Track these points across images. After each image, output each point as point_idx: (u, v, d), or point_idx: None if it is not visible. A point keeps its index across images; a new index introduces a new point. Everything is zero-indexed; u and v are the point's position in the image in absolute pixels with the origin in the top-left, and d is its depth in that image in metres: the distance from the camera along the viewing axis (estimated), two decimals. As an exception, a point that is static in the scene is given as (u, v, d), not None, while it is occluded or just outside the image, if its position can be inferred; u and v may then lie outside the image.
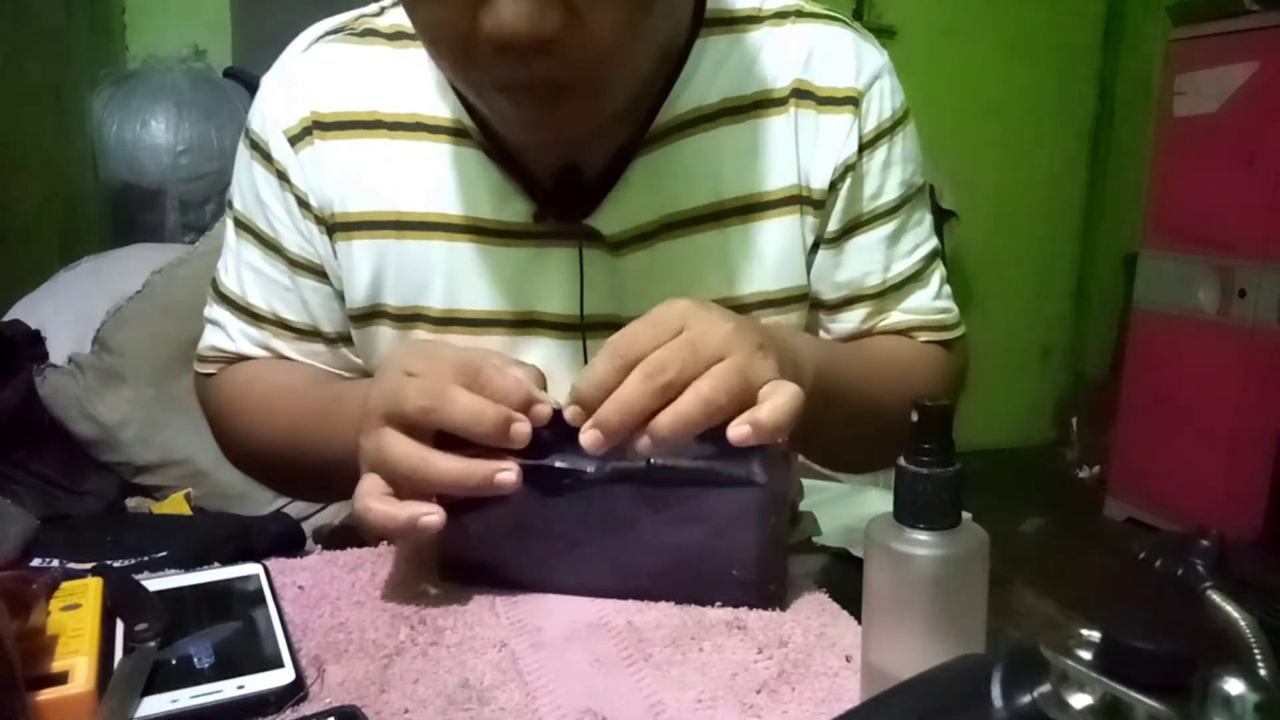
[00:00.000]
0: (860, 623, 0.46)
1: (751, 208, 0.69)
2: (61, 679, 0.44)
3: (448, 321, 0.70)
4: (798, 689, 0.49)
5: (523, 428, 0.53)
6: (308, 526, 1.32)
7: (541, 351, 0.70)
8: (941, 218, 2.82)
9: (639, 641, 0.53)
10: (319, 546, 0.99)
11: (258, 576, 0.58)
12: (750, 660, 0.51)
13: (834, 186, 0.70)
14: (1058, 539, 2.67)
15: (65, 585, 0.52)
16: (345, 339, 0.74)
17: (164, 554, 1.01)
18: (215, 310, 0.77)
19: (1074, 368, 3.50)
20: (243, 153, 0.73)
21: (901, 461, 0.42)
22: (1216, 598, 0.40)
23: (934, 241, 0.77)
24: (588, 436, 0.52)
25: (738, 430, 0.51)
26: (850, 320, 0.74)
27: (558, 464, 0.54)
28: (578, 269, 0.69)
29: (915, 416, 0.42)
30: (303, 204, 0.70)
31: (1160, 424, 2.68)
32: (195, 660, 0.48)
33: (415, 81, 0.69)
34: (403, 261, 0.69)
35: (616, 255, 0.68)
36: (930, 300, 0.76)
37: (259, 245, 0.73)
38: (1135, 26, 3.22)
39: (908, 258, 0.74)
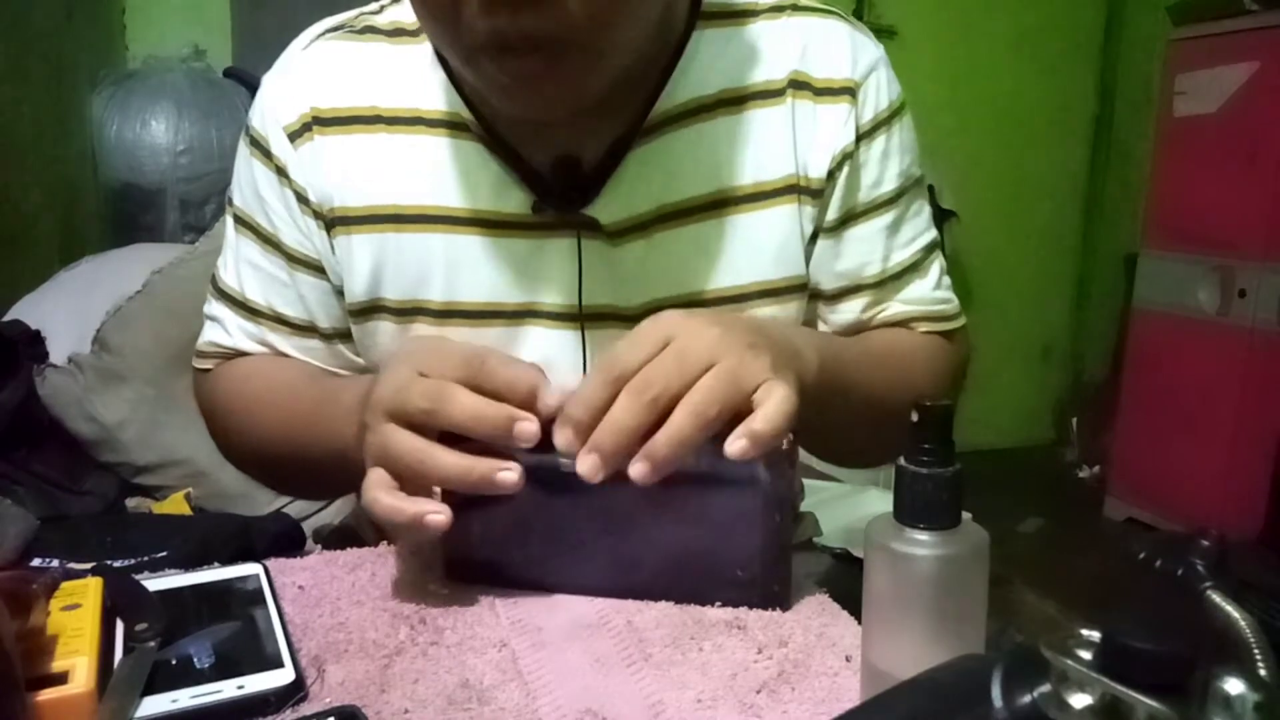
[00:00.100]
0: (860, 623, 0.46)
1: (749, 197, 0.69)
2: (61, 679, 0.44)
3: (448, 314, 0.70)
4: (798, 689, 0.49)
5: (529, 427, 0.52)
6: (308, 526, 1.32)
7: (541, 342, 0.70)
8: (941, 218, 2.82)
9: (639, 641, 0.53)
10: (319, 546, 0.99)
11: (258, 576, 0.58)
12: (750, 660, 0.51)
13: (831, 176, 0.70)
14: (1058, 539, 2.67)
15: (65, 585, 0.52)
16: (342, 335, 0.74)
17: (164, 554, 1.01)
18: (214, 307, 0.77)
19: (1074, 368, 3.50)
20: (243, 150, 0.74)
21: (901, 461, 0.42)
22: (1216, 598, 0.40)
23: (933, 233, 0.77)
24: (585, 464, 0.51)
25: (735, 445, 0.50)
26: (850, 311, 0.74)
27: (562, 465, 0.54)
28: (576, 259, 0.69)
29: (915, 416, 0.42)
30: (302, 199, 0.71)
31: (1160, 424, 2.68)
32: (195, 660, 0.48)
33: (414, 77, 0.70)
34: (402, 255, 0.70)
35: (614, 245, 0.69)
36: (930, 290, 0.76)
37: (257, 241, 0.73)
38: (1135, 26, 3.22)
39: (906, 248, 0.75)
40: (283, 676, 0.47)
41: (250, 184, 0.73)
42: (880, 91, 0.71)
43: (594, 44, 0.57)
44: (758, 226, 0.70)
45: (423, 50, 0.70)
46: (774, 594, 0.57)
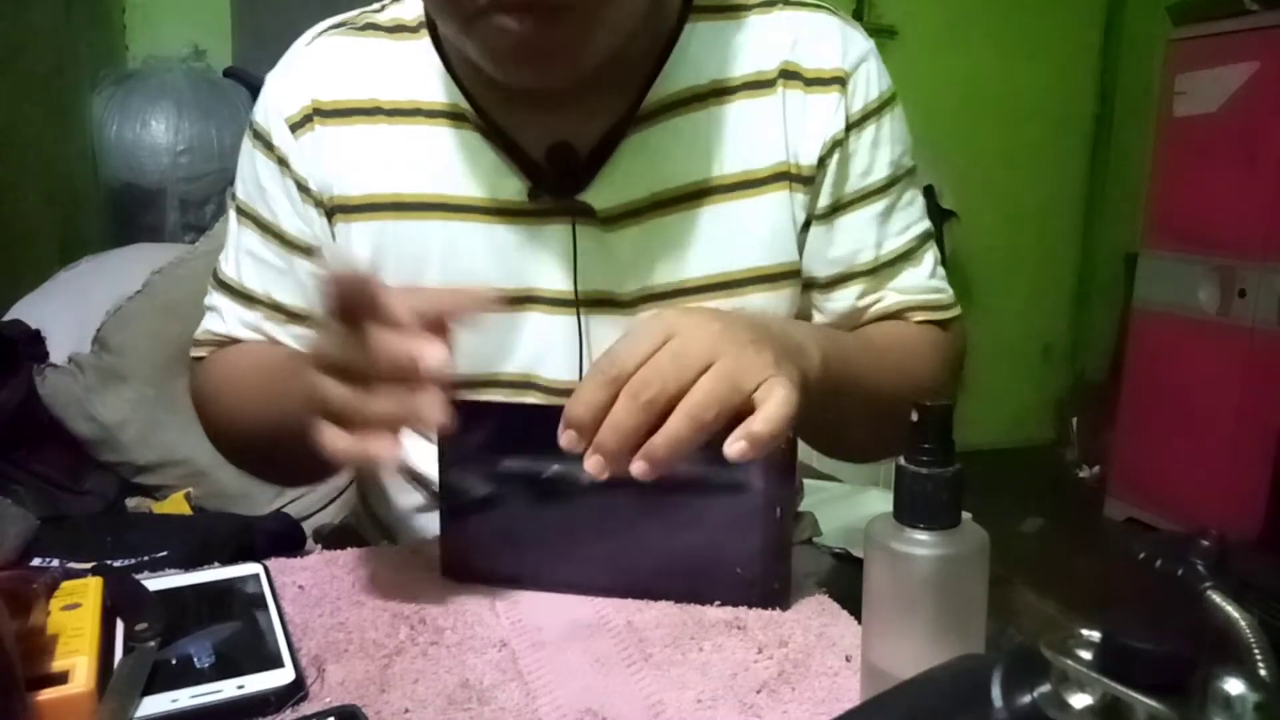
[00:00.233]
0: (860, 623, 0.46)
1: (740, 185, 0.70)
2: (61, 679, 0.44)
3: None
4: (798, 689, 0.49)
5: (436, 351, 0.50)
6: (308, 526, 1.32)
7: (539, 328, 0.71)
8: (941, 218, 2.82)
9: (639, 641, 0.53)
10: (319, 546, 0.99)
11: (258, 576, 0.58)
12: (750, 660, 0.51)
13: (822, 163, 0.71)
14: (1058, 539, 2.67)
15: (65, 585, 0.52)
16: None
17: (164, 554, 1.01)
18: (213, 297, 0.78)
19: (1074, 368, 3.50)
20: (246, 144, 0.76)
21: (901, 461, 0.42)
22: (1216, 598, 0.40)
23: (927, 224, 0.78)
24: (590, 464, 0.51)
25: (734, 447, 0.50)
26: (845, 298, 0.75)
27: (554, 468, 0.54)
28: (571, 245, 0.70)
29: (915, 416, 0.42)
30: (302, 188, 0.72)
31: (1160, 424, 2.67)
32: (195, 660, 0.48)
33: (413, 70, 0.71)
34: (401, 242, 0.71)
35: (609, 231, 0.70)
36: (925, 279, 0.77)
37: (258, 230, 0.75)
38: (1135, 26, 3.22)
39: (899, 236, 0.75)
40: (283, 676, 0.47)
41: (252, 176, 0.74)
42: (870, 82, 0.73)
43: (590, 11, 0.58)
44: (750, 213, 0.71)
45: (422, 45, 0.72)
46: (774, 592, 0.57)
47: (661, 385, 0.51)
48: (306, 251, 0.74)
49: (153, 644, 0.48)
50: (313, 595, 0.58)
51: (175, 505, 1.39)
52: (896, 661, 0.42)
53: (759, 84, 0.71)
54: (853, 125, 0.72)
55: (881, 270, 0.75)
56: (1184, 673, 0.28)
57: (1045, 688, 0.30)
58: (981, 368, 3.17)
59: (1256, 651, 0.37)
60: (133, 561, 0.97)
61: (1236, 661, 0.36)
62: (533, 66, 0.62)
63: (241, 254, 0.76)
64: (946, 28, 3.06)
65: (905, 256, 0.76)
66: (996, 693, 0.30)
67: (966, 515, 0.43)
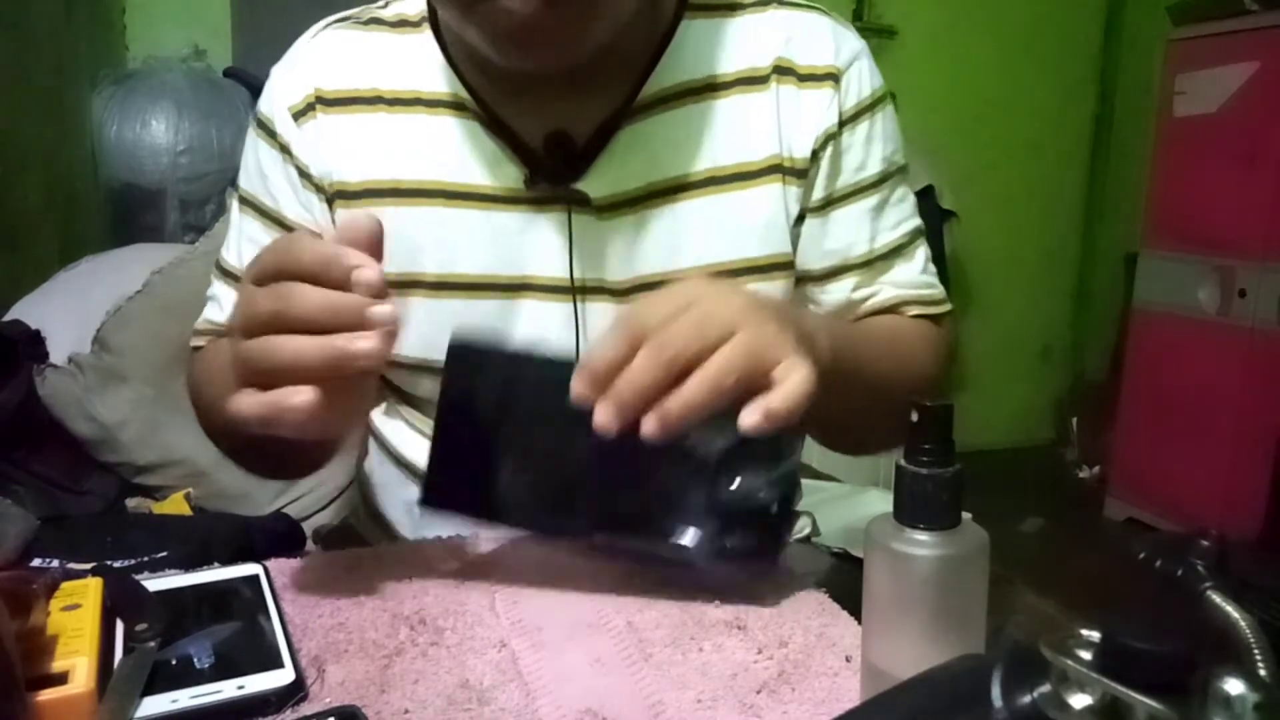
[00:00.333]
0: (860, 623, 0.46)
1: (734, 177, 0.72)
2: (61, 679, 0.44)
3: (442, 286, 0.72)
4: (798, 689, 0.49)
5: (382, 310, 0.49)
6: (308, 526, 1.32)
7: (536, 315, 0.72)
8: (941, 218, 2.81)
9: (639, 641, 0.53)
10: (319, 546, 0.99)
11: (258, 576, 0.58)
12: (750, 660, 0.51)
13: (816, 156, 0.73)
14: (1058, 539, 2.67)
15: (65, 585, 0.52)
16: None
17: (164, 554, 1.01)
18: (214, 287, 0.80)
19: (1074, 368, 3.50)
20: (250, 135, 0.77)
21: (901, 461, 0.42)
22: (1216, 598, 0.40)
23: (918, 221, 0.80)
24: (600, 414, 0.51)
25: (750, 419, 0.50)
26: (839, 291, 0.76)
27: (554, 417, 0.54)
28: (567, 233, 0.71)
29: (915, 416, 0.42)
30: (304, 175, 0.74)
31: (1160, 424, 2.67)
32: (195, 660, 0.48)
33: (415, 62, 0.73)
34: (399, 228, 0.70)
35: (604, 219, 0.71)
36: (917, 275, 0.78)
37: (259, 218, 0.76)
38: (1135, 26, 3.22)
39: (892, 231, 0.77)
40: (283, 676, 0.47)
41: (255, 165, 0.76)
42: (863, 80, 0.74)
43: None
44: (743, 205, 0.72)
45: (424, 38, 0.74)
46: (754, 562, 0.57)
47: (684, 346, 0.51)
48: None
49: (153, 644, 0.48)
50: (313, 595, 0.58)
51: (175, 505, 1.39)
52: (896, 661, 0.42)
53: (753, 79, 0.72)
54: (846, 121, 0.73)
55: (876, 263, 0.76)
56: (1184, 673, 0.28)
57: (1045, 688, 0.30)
58: (981, 368, 3.17)
59: (1256, 651, 0.37)
60: (133, 562, 0.96)
61: (1236, 661, 0.36)
62: (534, 49, 0.63)
63: (244, 241, 0.77)
64: (946, 28, 3.06)
65: (898, 251, 0.77)
66: (996, 693, 0.30)
67: (966, 515, 0.43)
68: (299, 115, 0.73)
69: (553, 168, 0.70)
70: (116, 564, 0.73)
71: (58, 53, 1.90)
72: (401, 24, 0.75)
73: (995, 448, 3.19)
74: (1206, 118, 2.51)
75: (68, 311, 1.54)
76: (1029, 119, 3.21)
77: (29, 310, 1.55)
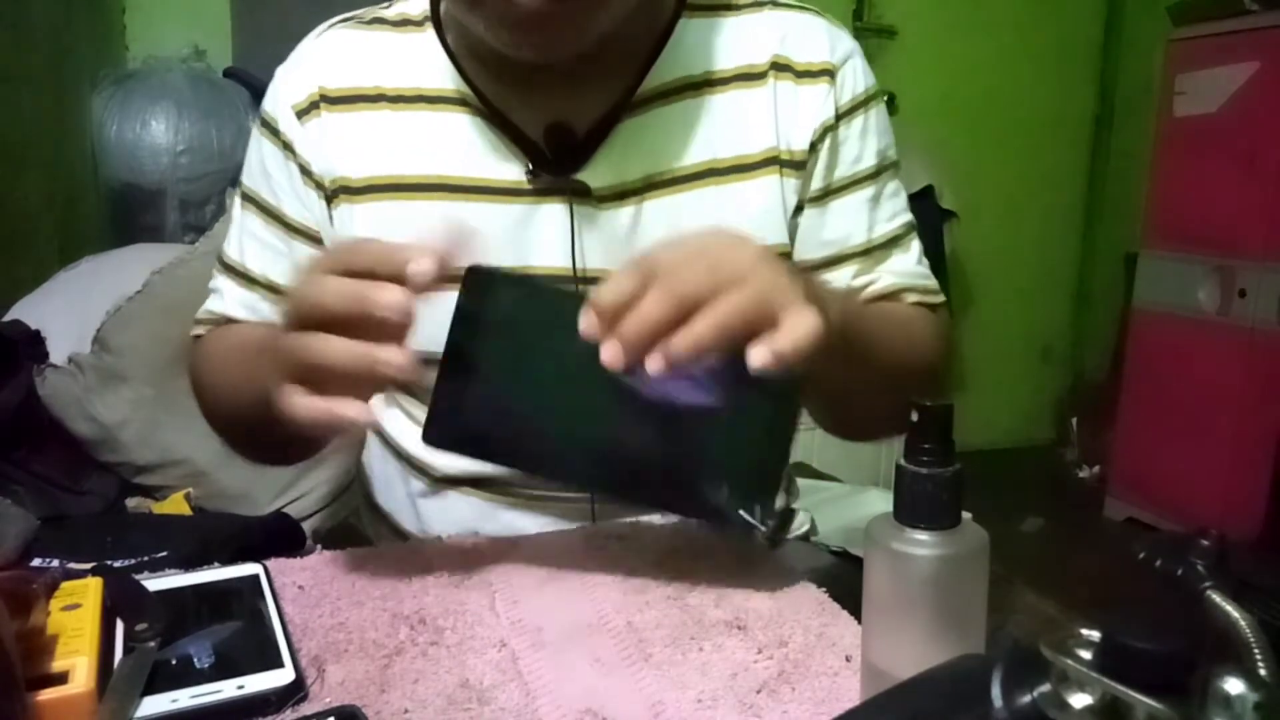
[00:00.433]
0: (860, 623, 0.46)
1: (731, 169, 0.74)
2: (61, 679, 0.44)
3: (445, 278, 0.71)
4: (798, 689, 0.49)
5: (395, 295, 0.52)
6: (308, 526, 1.32)
7: None
8: (941, 218, 2.81)
9: (639, 641, 0.53)
10: (319, 546, 0.99)
11: (258, 576, 0.58)
12: (750, 660, 0.51)
13: (814, 148, 0.75)
14: (1058, 539, 2.67)
15: (65, 585, 0.52)
16: None
17: (164, 554, 1.01)
18: (216, 280, 0.81)
19: (1074, 368, 3.50)
20: (254, 134, 0.79)
21: (901, 461, 0.42)
22: (1216, 598, 0.40)
23: (911, 216, 0.82)
24: (607, 350, 0.51)
25: (757, 355, 0.50)
26: (839, 279, 0.78)
27: (562, 353, 0.54)
28: (569, 224, 0.72)
29: (915, 416, 0.42)
30: (305, 172, 0.75)
31: (1160, 424, 2.67)
32: (195, 660, 0.48)
33: (417, 60, 0.75)
34: (402, 222, 0.73)
35: (605, 210, 0.73)
36: (914, 265, 0.80)
37: (260, 214, 0.78)
38: (1135, 26, 3.21)
39: (889, 222, 0.79)
40: (283, 676, 0.47)
41: (258, 163, 0.78)
42: (857, 76, 0.77)
43: None
44: (741, 196, 0.74)
45: (427, 37, 0.75)
46: (746, 523, 0.57)
47: (694, 287, 0.51)
48: (305, 235, 0.77)
49: (153, 644, 0.48)
50: (313, 595, 0.58)
51: (175, 505, 1.39)
52: (896, 661, 0.42)
53: (750, 76, 0.74)
54: (843, 114, 0.76)
55: (874, 252, 0.78)
56: (1184, 673, 0.28)
57: (1045, 688, 0.30)
58: (982, 368, 3.17)
59: (1256, 651, 0.36)
60: (133, 561, 0.96)
61: (1236, 661, 0.36)
62: (539, 36, 0.64)
63: (245, 236, 0.79)
64: (946, 28, 3.05)
65: (895, 242, 0.79)
66: (996, 693, 0.30)
67: (966, 515, 0.43)
68: (302, 114, 0.75)
69: (554, 158, 0.72)
70: (116, 564, 0.73)
71: (58, 53, 1.90)
72: (404, 23, 0.77)
73: (995, 448, 3.19)
74: (1206, 118, 2.51)
75: (68, 311, 1.54)
76: (1029, 120, 3.21)
77: (29, 310, 1.55)
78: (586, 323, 0.52)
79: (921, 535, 0.42)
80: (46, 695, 0.43)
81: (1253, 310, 2.41)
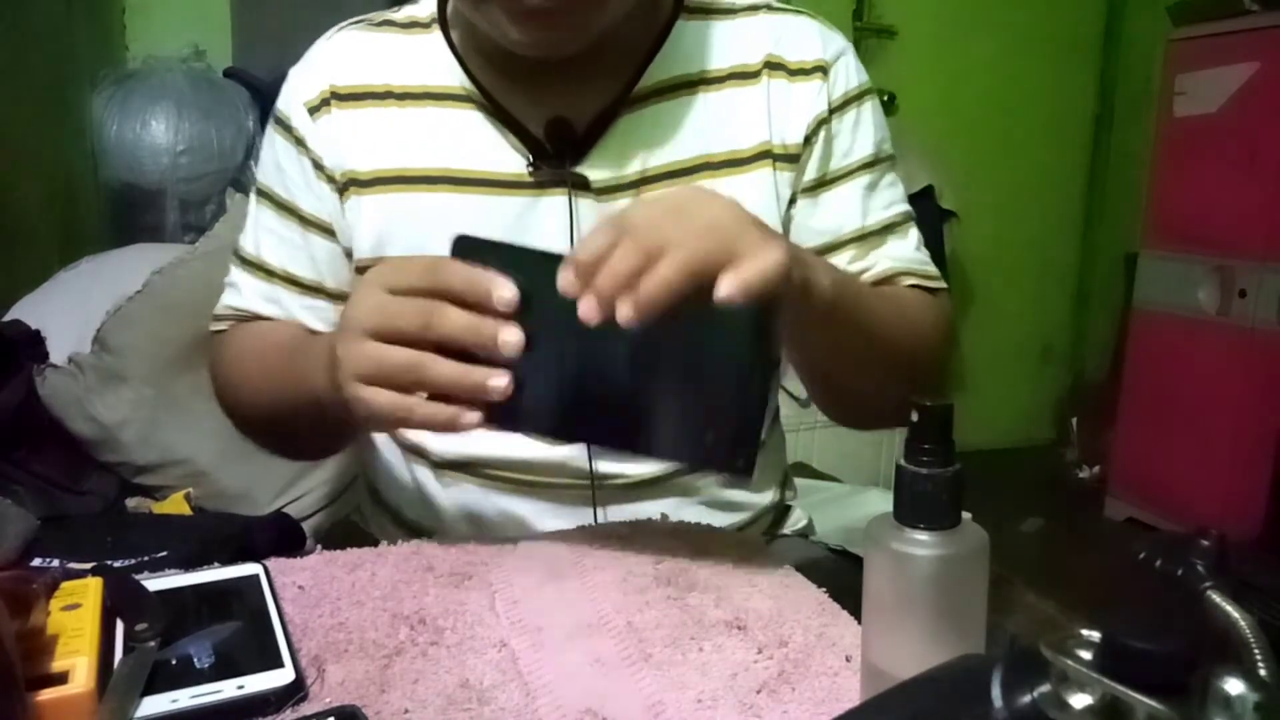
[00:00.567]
0: (860, 623, 0.46)
1: (726, 163, 0.76)
2: (61, 679, 0.44)
3: None
4: (798, 689, 0.49)
5: (513, 335, 0.55)
6: (308, 526, 1.32)
7: None
8: (941, 218, 2.81)
9: (639, 641, 0.53)
10: (319, 546, 0.99)
11: (258, 576, 0.58)
12: (750, 660, 0.51)
13: (808, 140, 0.77)
14: (1058, 539, 2.67)
15: (65, 585, 0.52)
16: (347, 296, 0.77)
17: (164, 554, 1.01)
18: (233, 274, 0.84)
19: (1074, 368, 3.50)
20: (268, 131, 0.82)
21: (901, 461, 0.42)
22: (1216, 598, 0.40)
23: (909, 207, 0.83)
24: (584, 306, 0.52)
25: (724, 288, 0.51)
26: (837, 265, 0.77)
27: (550, 313, 0.55)
28: (569, 215, 0.75)
29: (915, 416, 0.42)
30: (317, 166, 0.78)
31: (1160, 424, 2.67)
32: (195, 660, 0.48)
33: (424, 59, 0.78)
34: (408, 214, 0.76)
35: (603, 202, 0.75)
36: (912, 251, 0.81)
37: (275, 209, 0.81)
38: (1135, 26, 3.21)
39: (884, 210, 0.80)
40: (283, 676, 0.47)
41: (272, 159, 0.81)
42: (849, 73, 0.79)
43: None
44: (735, 190, 0.73)
45: (433, 37, 0.78)
46: (738, 468, 0.57)
47: (661, 237, 0.52)
48: (319, 228, 0.79)
49: (153, 644, 0.48)
50: (313, 595, 0.58)
51: (175, 505, 1.39)
52: (896, 661, 0.42)
53: (744, 74, 0.77)
54: (835, 108, 0.78)
55: (869, 238, 0.79)
56: (1184, 673, 0.28)
57: (1045, 688, 0.30)
58: (981, 368, 3.17)
59: (1256, 651, 0.37)
60: (133, 561, 0.96)
61: (1236, 661, 0.36)
62: (543, 32, 0.67)
63: (261, 231, 0.81)
64: (946, 27, 3.05)
65: (891, 228, 0.80)
66: (996, 693, 0.30)
67: (966, 515, 0.43)
68: (314, 110, 0.78)
69: (555, 152, 0.74)
70: (116, 564, 0.73)
71: (58, 53, 1.90)
72: (412, 25, 0.80)
73: (995, 448, 3.19)
74: (1206, 118, 2.51)
75: (68, 311, 1.54)
76: (1029, 119, 3.21)
77: (29, 310, 1.55)
78: (565, 280, 0.54)
79: (921, 535, 0.42)
80: (46, 695, 0.43)
81: (1253, 310, 2.41)
